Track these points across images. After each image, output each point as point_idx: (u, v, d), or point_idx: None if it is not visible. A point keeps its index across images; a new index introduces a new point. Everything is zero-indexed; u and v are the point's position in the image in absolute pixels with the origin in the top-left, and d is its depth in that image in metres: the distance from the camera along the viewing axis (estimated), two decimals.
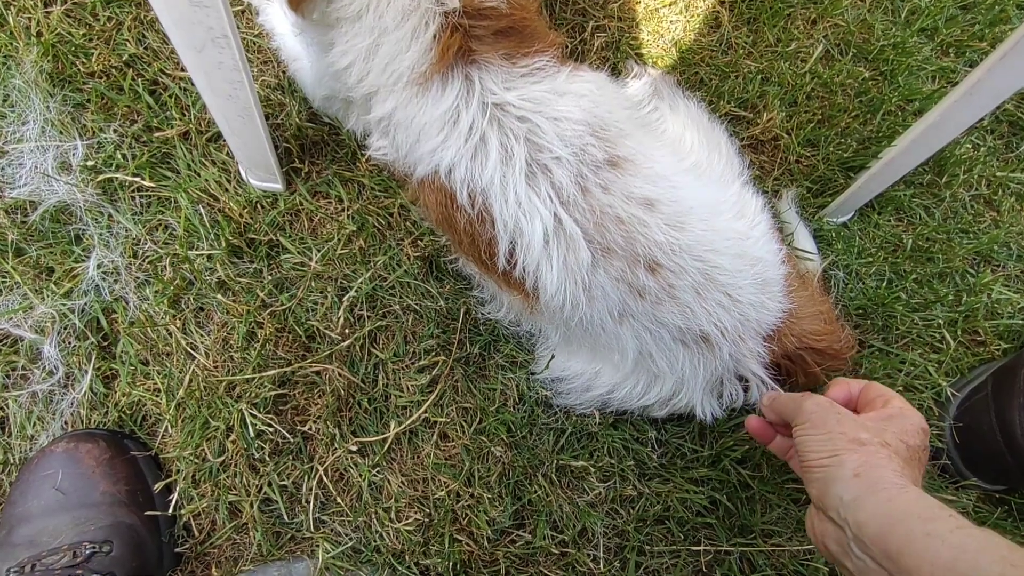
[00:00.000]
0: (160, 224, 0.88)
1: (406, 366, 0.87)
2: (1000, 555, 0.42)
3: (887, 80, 1.09)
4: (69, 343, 0.82)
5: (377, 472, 0.84)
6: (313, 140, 0.93)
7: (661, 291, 0.67)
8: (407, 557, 0.81)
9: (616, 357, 0.76)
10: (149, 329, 0.84)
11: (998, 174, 1.09)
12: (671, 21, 1.07)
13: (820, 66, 1.08)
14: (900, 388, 0.93)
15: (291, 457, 0.83)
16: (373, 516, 0.82)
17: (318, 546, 0.79)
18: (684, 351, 0.71)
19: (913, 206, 1.05)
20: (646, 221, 0.65)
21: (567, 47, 1.01)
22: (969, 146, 1.10)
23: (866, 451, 0.53)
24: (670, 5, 1.08)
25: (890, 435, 0.55)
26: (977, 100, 0.74)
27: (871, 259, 1.00)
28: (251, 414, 0.81)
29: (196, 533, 0.81)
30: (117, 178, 0.87)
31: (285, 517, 0.81)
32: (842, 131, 1.05)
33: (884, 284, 0.99)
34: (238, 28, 0.93)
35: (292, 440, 0.82)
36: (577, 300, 0.68)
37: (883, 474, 0.51)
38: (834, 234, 1.01)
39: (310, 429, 0.83)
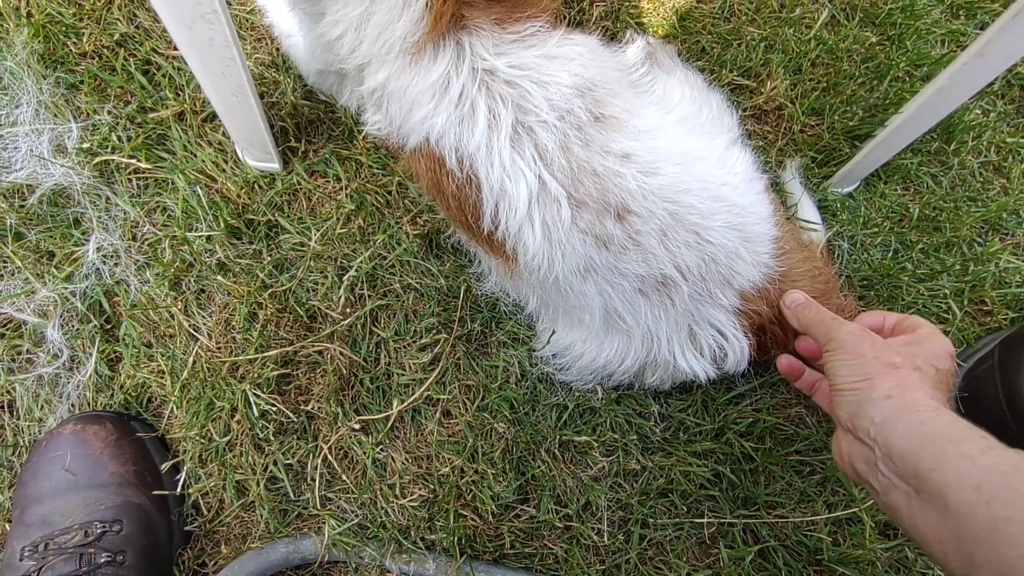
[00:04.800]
0: (158, 206, 0.87)
1: (407, 344, 0.87)
2: None
3: (895, 45, 1.06)
4: (72, 326, 0.83)
5: (381, 450, 0.84)
6: (309, 118, 0.92)
7: (626, 239, 0.66)
8: (413, 532, 0.82)
9: (587, 318, 0.75)
10: (151, 312, 0.84)
11: (1008, 140, 1.07)
12: None
13: (825, 32, 1.05)
14: None
15: (295, 436, 0.83)
16: (378, 493, 0.83)
17: (324, 523, 0.80)
18: (645, 302, 0.71)
19: (920, 174, 1.03)
20: (621, 172, 0.65)
21: (563, 15, 0.99)
22: (978, 111, 1.08)
23: (899, 374, 0.53)
24: None
25: (921, 359, 0.55)
26: (988, 62, 0.72)
27: (876, 229, 0.99)
28: (255, 394, 0.81)
29: (205, 511, 0.82)
30: (113, 160, 0.86)
31: (291, 495, 0.82)
32: (848, 99, 1.03)
33: (890, 254, 0.98)
34: (229, 4, 0.92)
35: (296, 419, 0.83)
36: (553, 259, 0.68)
37: (916, 396, 0.51)
38: (839, 204, 0.99)
39: (313, 408, 0.84)
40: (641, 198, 0.65)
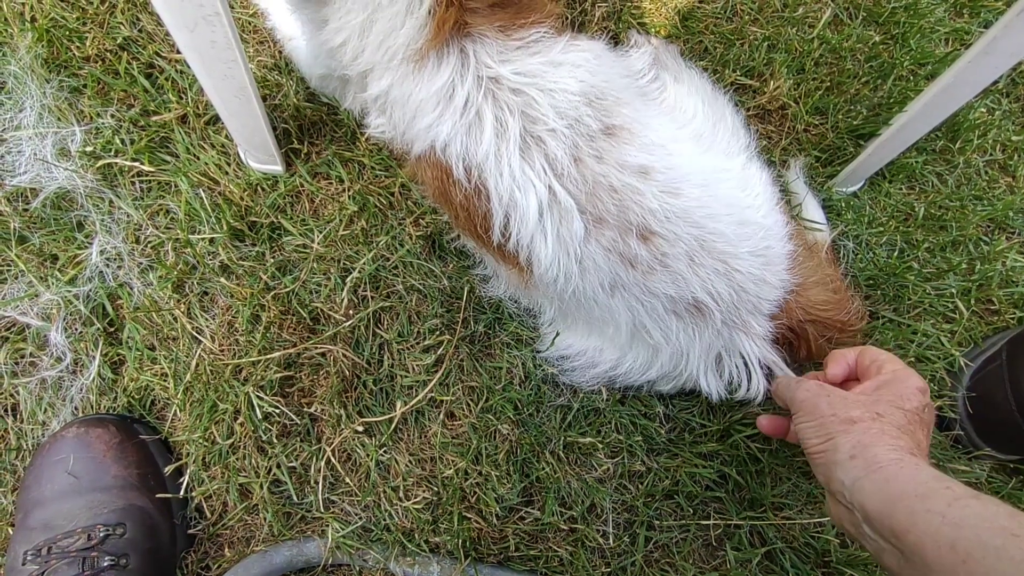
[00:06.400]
0: (161, 209, 0.87)
1: (411, 346, 0.87)
2: (999, 526, 0.43)
3: (898, 44, 1.06)
4: (75, 329, 0.83)
5: (384, 452, 0.84)
6: (312, 120, 0.92)
7: (653, 260, 0.66)
8: (417, 535, 0.81)
9: (611, 331, 0.75)
10: (154, 314, 0.84)
11: (1014, 138, 1.06)
12: None
13: (829, 31, 1.05)
14: (912, 359, 0.92)
15: (299, 439, 0.83)
16: (382, 495, 0.82)
17: (328, 526, 0.80)
18: (678, 322, 0.70)
19: (925, 173, 1.03)
20: (640, 189, 0.64)
21: (566, 18, 0.99)
22: (983, 110, 1.07)
23: (858, 429, 0.53)
24: None
25: (883, 405, 0.55)
26: (993, 60, 0.72)
27: (882, 229, 0.98)
28: (258, 396, 0.81)
29: (208, 515, 0.81)
30: (116, 163, 0.86)
31: (295, 498, 0.81)
32: (852, 98, 1.02)
33: (895, 254, 0.97)
34: (232, 8, 0.92)
35: (299, 422, 0.83)
36: (570, 272, 0.68)
37: (877, 452, 0.51)
38: (844, 204, 0.99)
39: (316, 411, 0.84)
40: (664, 219, 0.65)
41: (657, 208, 0.64)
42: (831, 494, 0.55)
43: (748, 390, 0.75)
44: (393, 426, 0.84)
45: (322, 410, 0.84)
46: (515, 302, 0.88)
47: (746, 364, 0.74)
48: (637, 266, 0.66)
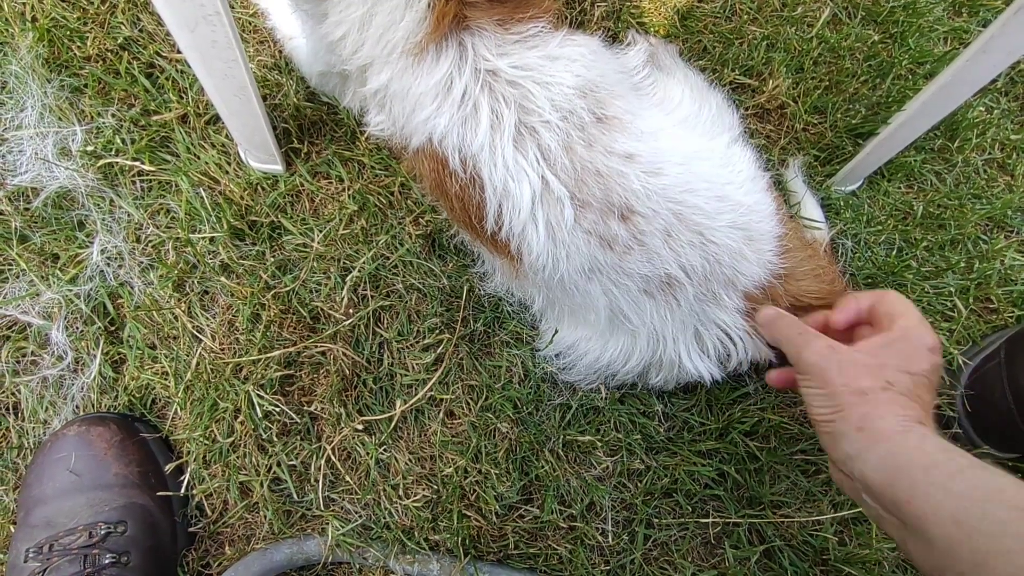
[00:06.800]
0: (162, 208, 0.88)
1: (410, 345, 0.87)
2: (1006, 499, 0.42)
3: (897, 43, 1.06)
4: (77, 328, 0.83)
5: (384, 450, 0.84)
6: (312, 120, 0.93)
7: (630, 239, 0.66)
8: (416, 533, 0.82)
9: (592, 317, 0.76)
10: (155, 313, 0.84)
11: (1012, 137, 1.06)
12: None
13: (827, 30, 1.05)
14: None
15: (299, 437, 0.83)
16: (382, 493, 0.83)
17: (328, 524, 0.80)
18: (650, 302, 0.71)
19: (924, 172, 1.03)
20: (624, 172, 0.65)
21: (565, 16, 0.99)
22: (982, 109, 1.07)
23: (867, 401, 0.52)
24: None
25: (891, 370, 0.54)
26: (991, 59, 0.72)
27: (880, 227, 0.98)
28: (258, 395, 0.81)
29: (209, 513, 0.82)
30: (117, 163, 0.87)
31: (295, 496, 0.81)
32: (850, 97, 1.02)
33: (894, 252, 0.98)
34: (232, 7, 0.93)
35: (299, 420, 0.83)
36: (558, 259, 0.68)
37: (885, 423, 0.50)
38: (842, 203, 0.99)
39: (316, 409, 0.84)
40: (645, 198, 0.65)
41: (639, 188, 0.65)
42: (833, 462, 0.55)
43: (738, 357, 0.75)
44: (393, 424, 0.84)
45: (322, 408, 0.84)
46: (510, 295, 0.88)
47: (726, 333, 0.74)
48: (615, 247, 0.67)
